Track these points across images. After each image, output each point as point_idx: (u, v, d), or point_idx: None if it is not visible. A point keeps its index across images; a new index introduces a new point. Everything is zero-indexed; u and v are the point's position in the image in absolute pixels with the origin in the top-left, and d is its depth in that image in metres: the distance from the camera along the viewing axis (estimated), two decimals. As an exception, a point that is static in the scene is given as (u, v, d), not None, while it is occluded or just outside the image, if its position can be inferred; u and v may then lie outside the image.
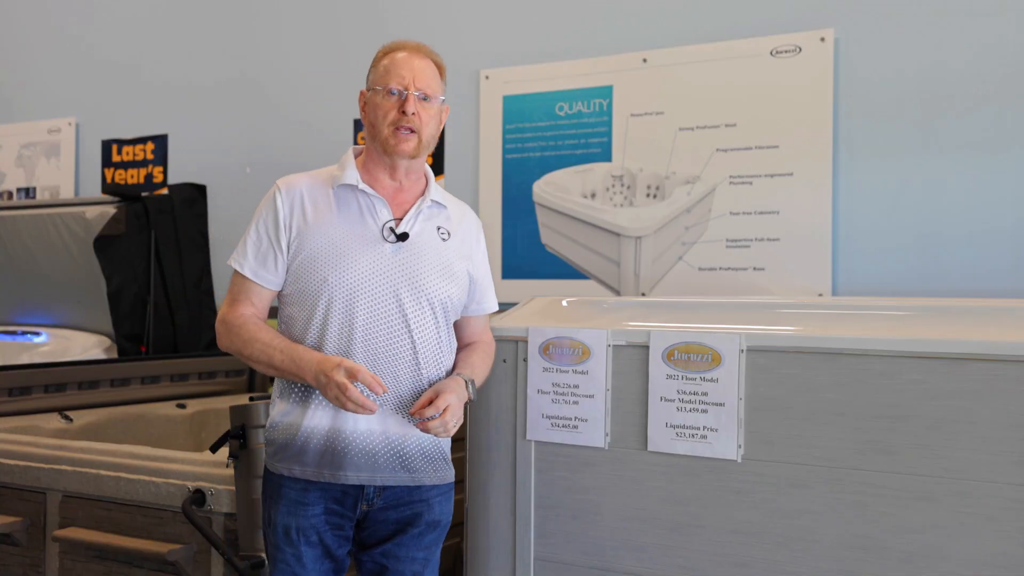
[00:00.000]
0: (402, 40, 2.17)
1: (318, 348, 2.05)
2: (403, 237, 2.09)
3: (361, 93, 2.17)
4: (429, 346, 2.11)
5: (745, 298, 2.75)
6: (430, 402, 2.02)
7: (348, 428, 2.04)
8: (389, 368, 2.06)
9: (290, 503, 2.07)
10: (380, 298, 2.06)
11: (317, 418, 2.06)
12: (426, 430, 2.03)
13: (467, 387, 2.11)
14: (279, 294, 2.15)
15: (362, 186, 2.11)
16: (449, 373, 2.17)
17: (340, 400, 1.95)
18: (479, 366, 2.22)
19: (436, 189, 2.20)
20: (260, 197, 2.18)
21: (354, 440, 2.04)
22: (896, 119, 3.15)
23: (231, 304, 2.14)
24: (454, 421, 2.03)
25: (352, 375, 1.94)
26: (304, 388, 2.08)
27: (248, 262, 2.11)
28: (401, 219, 2.12)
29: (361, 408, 1.95)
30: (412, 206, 2.14)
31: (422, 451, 2.10)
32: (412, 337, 2.08)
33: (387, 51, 2.15)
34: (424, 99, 2.10)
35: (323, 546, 2.08)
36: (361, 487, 2.07)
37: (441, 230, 2.17)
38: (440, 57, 2.18)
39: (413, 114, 2.07)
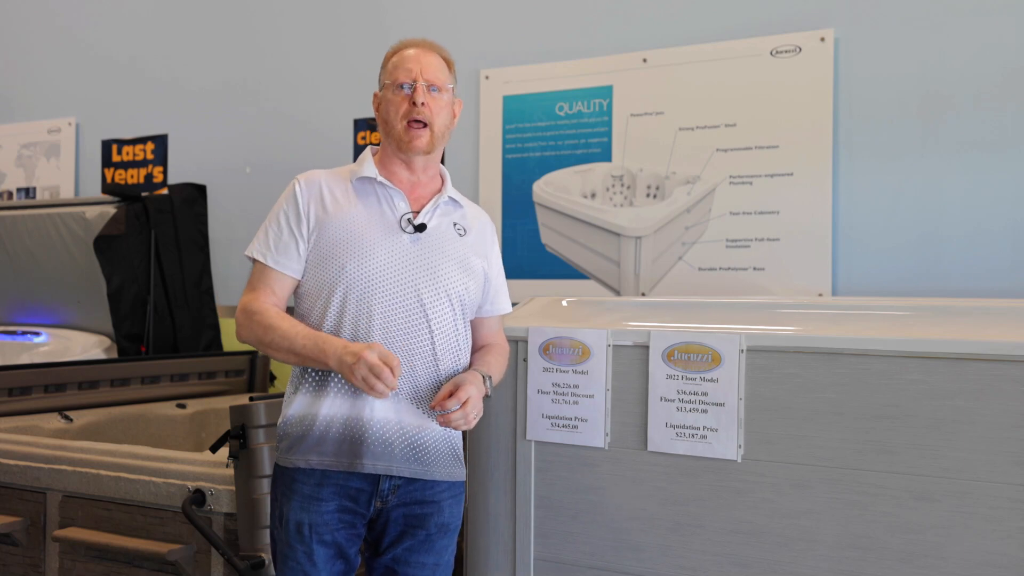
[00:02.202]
0: (409, 39, 2.20)
1: (336, 334, 2.05)
2: (421, 228, 2.11)
3: (375, 95, 2.19)
4: (447, 339, 2.11)
5: (745, 298, 2.75)
6: (450, 395, 2.02)
7: (366, 416, 2.04)
8: (407, 359, 2.06)
9: (303, 498, 2.06)
10: (399, 288, 2.06)
11: (336, 406, 2.05)
12: (447, 423, 2.03)
13: (484, 382, 2.11)
14: (297, 288, 2.15)
15: (380, 179, 2.13)
16: (466, 370, 2.17)
17: (369, 381, 1.93)
18: (495, 365, 2.22)
19: (453, 189, 2.22)
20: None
21: (371, 428, 2.04)
22: (896, 119, 3.15)
23: (251, 292, 2.13)
24: (475, 413, 2.04)
25: (387, 361, 1.92)
26: (318, 378, 2.07)
27: (269, 251, 2.12)
28: (418, 212, 2.14)
29: (386, 391, 1.94)
30: (429, 201, 2.16)
31: (435, 444, 2.11)
32: (431, 328, 2.08)
33: (395, 50, 2.18)
34: (434, 90, 2.12)
35: (336, 546, 2.07)
36: (376, 483, 2.06)
37: (457, 226, 2.19)
38: (448, 52, 2.20)
39: (423, 104, 2.09)
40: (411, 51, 2.15)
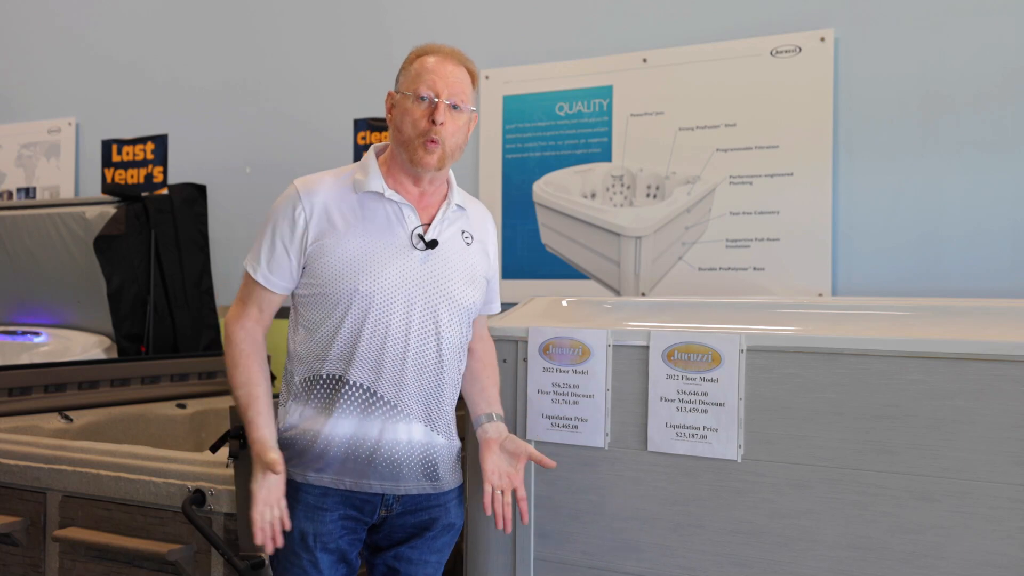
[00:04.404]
0: (435, 44, 2.10)
1: (348, 356, 2.02)
2: (432, 244, 2.07)
3: (389, 94, 2.10)
4: (453, 349, 2.10)
5: (745, 298, 2.75)
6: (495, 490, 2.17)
7: (373, 437, 2.02)
8: (415, 373, 2.05)
9: (308, 508, 2.05)
10: (413, 306, 2.03)
11: (341, 426, 2.02)
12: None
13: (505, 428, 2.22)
14: (295, 295, 2.11)
15: (388, 193, 2.06)
16: (461, 372, 2.18)
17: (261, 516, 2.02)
18: (496, 390, 2.28)
19: (458, 192, 2.16)
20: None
21: (380, 449, 2.02)
22: (896, 119, 3.15)
23: (237, 307, 2.12)
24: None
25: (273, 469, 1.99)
26: (328, 393, 2.04)
27: (260, 266, 2.07)
28: (428, 224, 2.09)
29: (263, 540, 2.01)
30: (437, 211, 2.11)
31: (444, 459, 2.11)
32: (440, 342, 2.06)
33: (419, 54, 2.07)
34: (454, 108, 2.02)
35: (339, 552, 2.06)
36: (381, 495, 2.06)
37: (465, 234, 2.15)
38: (472, 63, 2.10)
39: (442, 124, 2.00)
40: (435, 59, 2.04)
